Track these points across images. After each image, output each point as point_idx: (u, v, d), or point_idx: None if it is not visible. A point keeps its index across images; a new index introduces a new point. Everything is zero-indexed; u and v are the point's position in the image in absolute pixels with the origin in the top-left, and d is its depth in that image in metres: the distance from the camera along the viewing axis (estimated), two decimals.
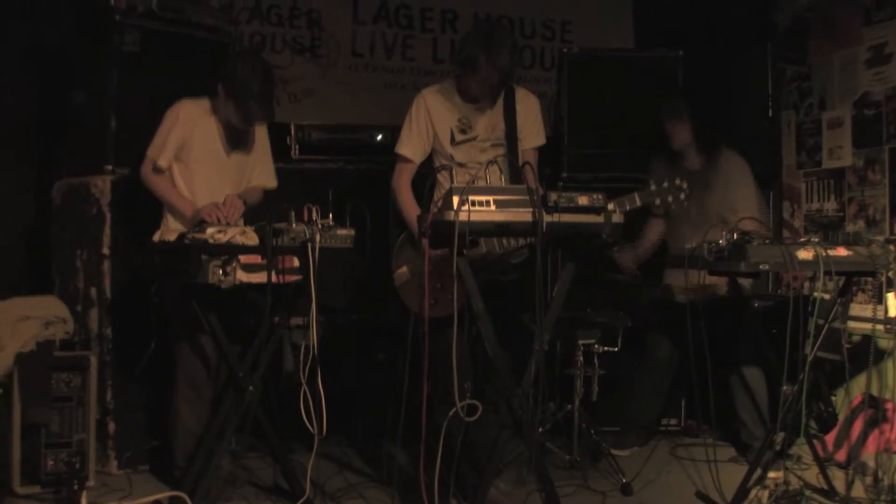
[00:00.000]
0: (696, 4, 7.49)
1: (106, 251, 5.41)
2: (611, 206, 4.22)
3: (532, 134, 5.12)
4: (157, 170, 5.04)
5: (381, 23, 7.67)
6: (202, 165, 5.11)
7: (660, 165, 6.05)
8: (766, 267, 4.37)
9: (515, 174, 4.88)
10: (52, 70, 5.97)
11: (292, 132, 6.62)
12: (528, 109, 5.11)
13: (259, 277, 4.40)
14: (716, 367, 4.76)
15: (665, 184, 4.55)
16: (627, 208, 4.50)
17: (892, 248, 4.53)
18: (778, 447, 4.72)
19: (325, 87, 7.42)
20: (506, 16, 7.76)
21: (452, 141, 4.99)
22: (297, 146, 6.60)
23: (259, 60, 5.25)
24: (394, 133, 5.64)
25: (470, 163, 4.99)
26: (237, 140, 5.18)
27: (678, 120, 5.91)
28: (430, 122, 5.00)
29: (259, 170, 5.34)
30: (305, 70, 7.38)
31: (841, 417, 5.63)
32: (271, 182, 5.40)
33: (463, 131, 4.99)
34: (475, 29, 5.13)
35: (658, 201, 4.56)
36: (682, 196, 4.56)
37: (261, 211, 5.11)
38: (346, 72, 7.54)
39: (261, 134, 5.33)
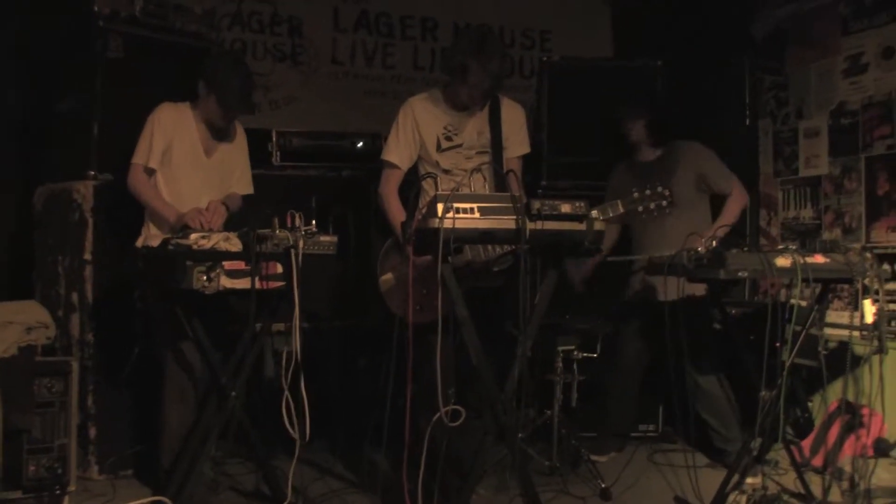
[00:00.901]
0: (675, 14, 7.56)
1: (88, 257, 5.41)
2: (594, 214, 4.26)
3: (517, 143, 5.17)
4: (149, 171, 5.05)
5: (361, 31, 7.72)
6: (183, 168, 5.13)
7: (620, 170, 6.20)
8: (745, 274, 4.42)
9: (500, 182, 4.91)
10: (36, 75, 5.97)
11: (274, 139, 6.62)
12: (514, 119, 5.15)
13: (243, 283, 4.41)
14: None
15: (648, 191, 4.58)
16: (611, 216, 4.54)
17: (868, 255, 4.58)
18: (755, 453, 4.76)
19: (306, 95, 7.46)
20: (486, 24, 7.75)
21: (438, 148, 5.03)
22: (278, 153, 6.61)
23: (237, 57, 5.34)
24: (375, 140, 5.70)
25: (455, 170, 5.02)
26: (218, 139, 5.20)
27: (634, 117, 6.05)
28: (416, 130, 5.03)
29: (238, 175, 5.37)
30: (286, 77, 7.41)
31: (818, 423, 5.69)
32: (249, 189, 5.43)
33: (449, 138, 5.02)
34: (465, 36, 5.15)
35: (641, 208, 4.59)
36: (665, 203, 4.59)
37: (243, 217, 5.12)
38: (326, 79, 7.58)
39: (240, 139, 5.36)
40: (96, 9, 5.44)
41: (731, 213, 5.84)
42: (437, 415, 4.09)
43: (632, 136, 6.08)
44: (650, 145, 6.06)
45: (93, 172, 5.45)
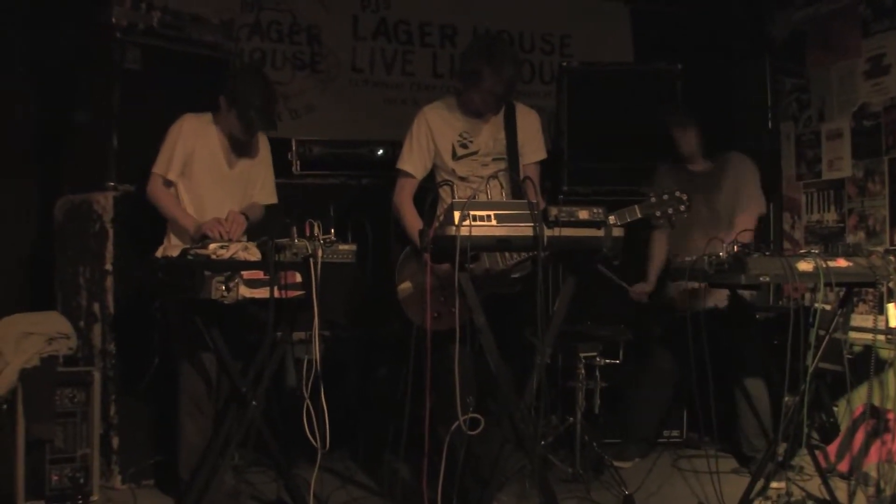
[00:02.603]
0: (695, 18, 7.54)
1: (108, 267, 5.43)
2: (611, 219, 4.23)
3: (533, 149, 5.15)
4: (168, 183, 5.07)
5: (380, 38, 7.70)
6: (205, 179, 5.13)
7: (666, 172, 6.10)
8: (767, 279, 4.39)
9: (517, 189, 4.90)
10: (54, 88, 6.00)
11: (293, 148, 6.62)
12: (529, 124, 5.13)
13: (261, 293, 4.39)
14: (717, 379, 4.76)
15: (665, 196, 4.55)
16: (628, 220, 4.50)
17: (892, 259, 4.54)
18: (780, 458, 4.73)
19: (326, 103, 7.45)
20: (505, 30, 7.77)
21: (454, 156, 5.02)
22: (298, 162, 6.61)
23: (260, 72, 5.32)
24: (394, 148, 5.67)
25: (472, 177, 5.01)
26: (240, 152, 5.20)
27: (685, 126, 5.98)
28: (431, 138, 5.02)
29: (261, 185, 5.37)
30: (306, 86, 7.40)
31: (843, 428, 5.65)
32: (272, 199, 5.43)
33: (464, 146, 5.01)
34: (477, 42, 5.14)
35: (658, 213, 4.55)
36: (683, 208, 4.54)
37: (263, 227, 5.13)
38: (346, 87, 7.56)
39: (264, 150, 5.36)
40: (114, 20, 5.45)
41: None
42: (456, 423, 4.07)
43: (682, 148, 6.01)
44: (702, 156, 6.02)
45: (112, 183, 5.47)
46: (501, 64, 4.80)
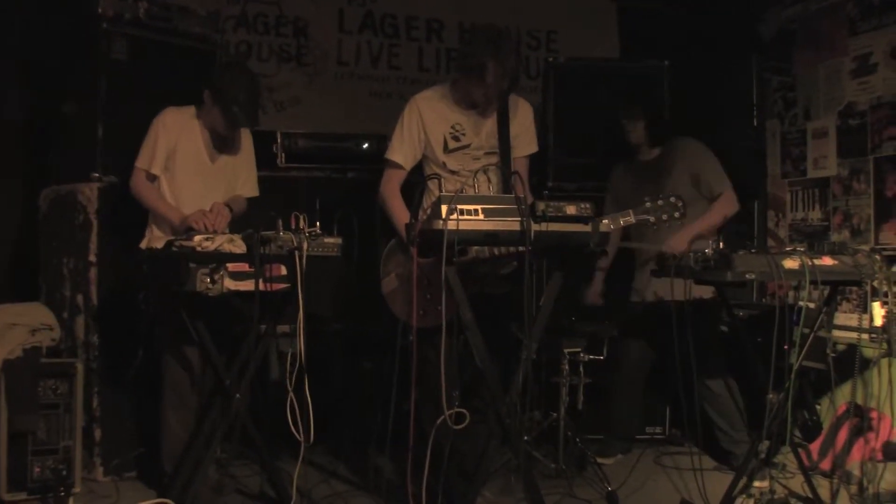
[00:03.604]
0: (682, 15, 7.53)
1: (93, 259, 5.40)
2: (605, 222, 4.23)
3: (525, 142, 5.10)
4: (151, 178, 5.05)
5: (366, 32, 7.70)
6: (187, 173, 5.13)
7: (619, 171, 6.19)
8: (752, 276, 4.39)
9: (506, 183, 4.88)
10: (40, 78, 5.97)
11: (279, 140, 6.60)
12: (523, 117, 5.10)
13: (246, 285, 4.39)
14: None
15: (660, 201, 4.52)
16: (622, 224, 4.50)
17: (877, 257, 4.55)
18: (763, 456, 4.74)
19: (312, 96, 7.44)
20: (493, 24, 7.75)
21: (445, 149, 4.96)
22: (283, 154, 6.59)
23: (245, 68, 5.31)
24: (380, 141, 5.67)
25: (462, 171, 4.96)
26: (222, 146, 5.19)
27: (633, 117, 6.00)
28: (422, 129, 4.97)
29: (244, 179, 5.36)
30: (292, 78, 7.40)
31: (826, 426, 5.66)
32: (254, 192, 5.43)
33: (456, 139, 4.96)
34: (481, 34, 5.08)
35: (653, 219, 4.52)
36: (678, 214, 4.50)
37: (247, 219, 5.12)
38: (332, 80, 7.56)
39: (246, 142, 5.35)
40: (100, 11, 5.44)
41: (710, 219, 5.74)
42: (441, 418, 4.06)
43: (631, 138, 6.04)
44: (649, 146, 6.04)
45: (97, 175, 5.45)
46: (507, 58, 4.76)
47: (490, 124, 5.00)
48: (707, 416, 5.83)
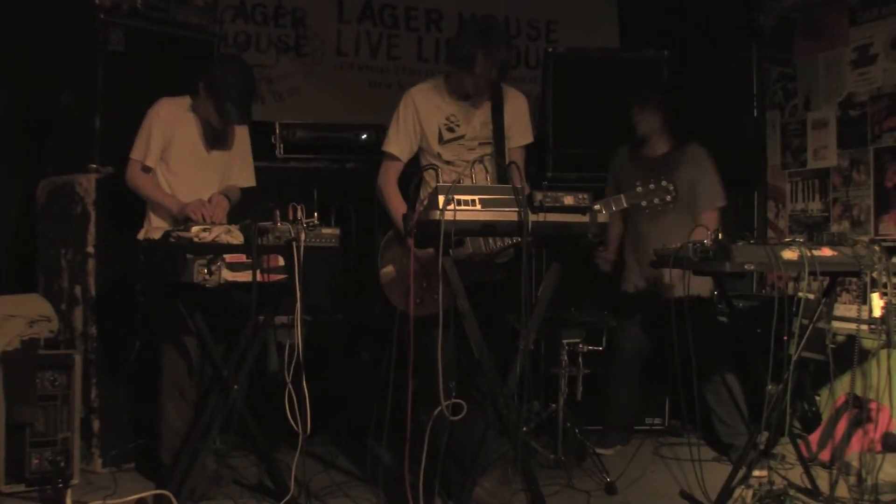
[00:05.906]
0: (682, 5, 7.52)
1: (90, 250, 5.39)
2: (597, 207, 4.22)
3: (520, 133, 5.10)
4: (146, 169, 5.04)
5: (365, 22, 7.69)
6: (183, 163, 5.12)
7: (621, 158, 6.12)
8: (752, 267, 4.38)
9: (502, 173, 4.87)
10: (37, 69, 5.96)
11: (277, 131, 6.58)
12: (517, 108, 5.08)
13: (244, 276, 4.38)
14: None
15: (651, 185, 4.53)
16: (614, 209, 4.51)
17: (876, 248, 4.54)
18: (762, 446, 4.73)
19: (310, 86, 7.44)
20: (491, 15, 7.70)
21: (440, 139, 4.96)
22: (281, 145, 6.57)
23: (241, 63, 5.28)
24: (379, 132, 5.65)
25: (457, 161, 4.95)
26: (218, 137, 5.18)
27: (647, 107, 5.93)
28: (417, 121, 4.97)
29: (238, 168, 5.34)
30: (290, 69, 7.39)
31: (825, 417, 5.65)
32: (250, 181, 5.41)
33: (451, 129, 4.96)
34: (470, 25, 5.08)
35: (644, 203, 4.54)
36: (669, 198, 4.53)
37: (245, 210, 5.10)
38: (330, 71, 7.55)
39: (241, 133, 5.33)
40: (97, 2, 5.43)
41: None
42: (439, 408, 4.06)
43: (640, 128, 5.97)
44: (663, 141, 5.97)
45: (95, 165, 5.44)
46: (496, 48, 4.75)
47: (482, 115, 4.99)
48: (707, 408, 5.82)
